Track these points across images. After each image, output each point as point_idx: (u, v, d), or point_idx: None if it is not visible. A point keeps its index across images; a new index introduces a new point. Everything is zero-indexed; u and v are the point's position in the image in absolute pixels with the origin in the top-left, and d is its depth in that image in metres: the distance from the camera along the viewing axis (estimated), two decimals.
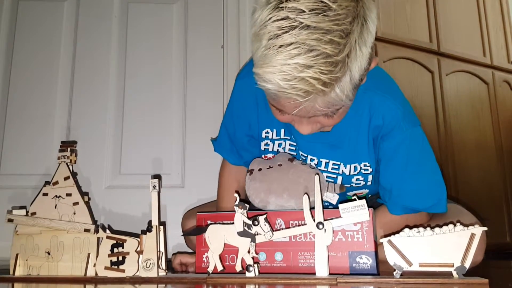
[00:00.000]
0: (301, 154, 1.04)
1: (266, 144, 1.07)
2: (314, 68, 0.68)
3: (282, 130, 1.04)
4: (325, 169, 1.03)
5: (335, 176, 1.03)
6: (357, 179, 1.03)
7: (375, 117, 0.94)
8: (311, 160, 1.03)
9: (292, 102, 0.72)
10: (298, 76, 0.68)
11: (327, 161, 1.02)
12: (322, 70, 0.68)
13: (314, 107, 0.74)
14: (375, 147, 0.98)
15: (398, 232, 0.79)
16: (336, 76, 0.70)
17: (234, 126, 1.10)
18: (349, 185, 1.05)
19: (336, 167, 1.02)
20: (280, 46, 0.68)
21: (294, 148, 1.05)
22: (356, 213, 0.84)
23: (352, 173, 1.02)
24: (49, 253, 1.02)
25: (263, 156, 1.09)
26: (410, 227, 0.80)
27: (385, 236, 0.79)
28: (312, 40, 0.67)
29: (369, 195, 1.13)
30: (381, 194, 1.02)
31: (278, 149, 1.07)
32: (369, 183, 1.05)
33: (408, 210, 0.97)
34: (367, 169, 1.01)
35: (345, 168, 1.02)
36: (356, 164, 1.01)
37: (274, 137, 1.06)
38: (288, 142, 1.05)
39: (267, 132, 1.06)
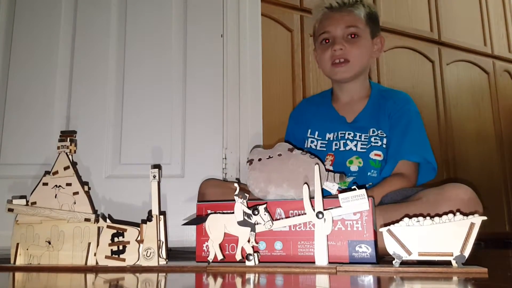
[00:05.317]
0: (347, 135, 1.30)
1: (311, 141, 1.35)
2: None
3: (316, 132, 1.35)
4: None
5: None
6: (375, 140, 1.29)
7: (388, 100, 1.31)
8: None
9: (336, 14, 1.31)
10: None
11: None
12: None
13: (348, 18, 1.28)
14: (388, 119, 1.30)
15: (397, 221, 0.79)
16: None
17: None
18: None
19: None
20: None
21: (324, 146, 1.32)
22: (355, 202, 0.84)
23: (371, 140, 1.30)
24: (49, 243, 1.02)
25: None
26: (410, 217, 0.80)
27: (385, 225, 0.80)
28: None
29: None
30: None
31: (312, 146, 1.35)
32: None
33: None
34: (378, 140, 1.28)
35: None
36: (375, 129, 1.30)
37: (317, 137, 1.35)
38: (320, 142, 1.33)
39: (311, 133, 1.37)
